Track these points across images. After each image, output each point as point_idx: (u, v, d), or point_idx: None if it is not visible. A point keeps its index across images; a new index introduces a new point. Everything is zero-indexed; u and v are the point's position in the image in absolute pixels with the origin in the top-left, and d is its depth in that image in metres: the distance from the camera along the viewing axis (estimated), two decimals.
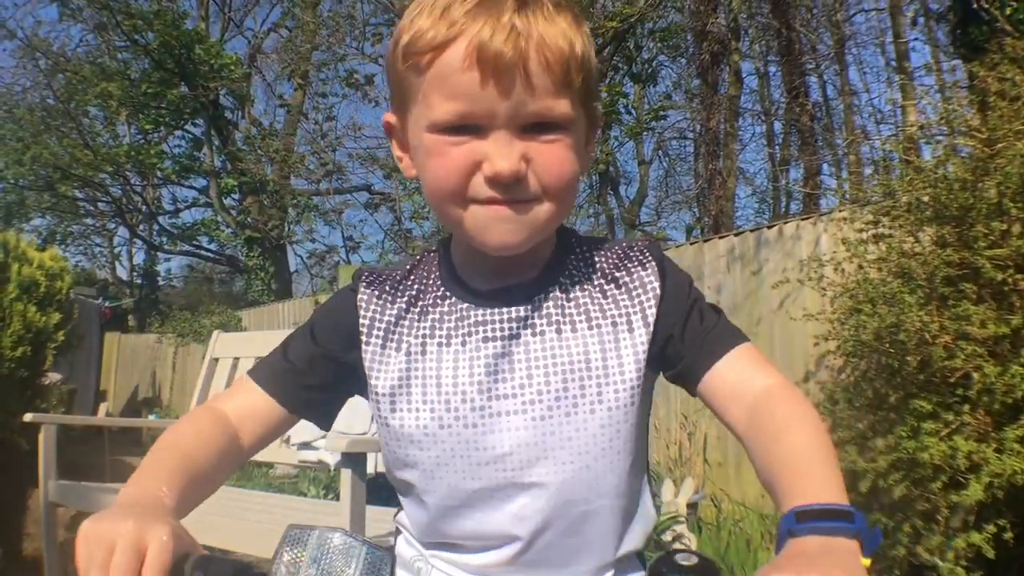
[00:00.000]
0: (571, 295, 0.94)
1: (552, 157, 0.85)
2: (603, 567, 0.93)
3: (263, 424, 0.97)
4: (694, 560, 0.66)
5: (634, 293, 0.94)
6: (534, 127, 0.84)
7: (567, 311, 0.93)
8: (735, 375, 0.89)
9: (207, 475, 0.87)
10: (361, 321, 0.98)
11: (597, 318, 0.93)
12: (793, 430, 0.81)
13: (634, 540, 0.95)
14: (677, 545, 3.71)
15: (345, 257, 16.42)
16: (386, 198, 14.08)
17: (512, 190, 0.84)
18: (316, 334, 1.01)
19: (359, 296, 0.99)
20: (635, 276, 0.95)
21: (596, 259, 0.97)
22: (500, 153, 0.82)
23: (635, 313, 0.93)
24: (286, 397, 0.98)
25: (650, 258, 0.96)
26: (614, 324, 0.93)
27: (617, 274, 0.96)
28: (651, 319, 0.92)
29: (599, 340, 0.92)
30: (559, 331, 0.92)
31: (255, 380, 0.99)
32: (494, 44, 0.79)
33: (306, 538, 0.71)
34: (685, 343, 0.92)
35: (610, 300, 0.94)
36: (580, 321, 0.93)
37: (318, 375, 0.99)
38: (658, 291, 0.93)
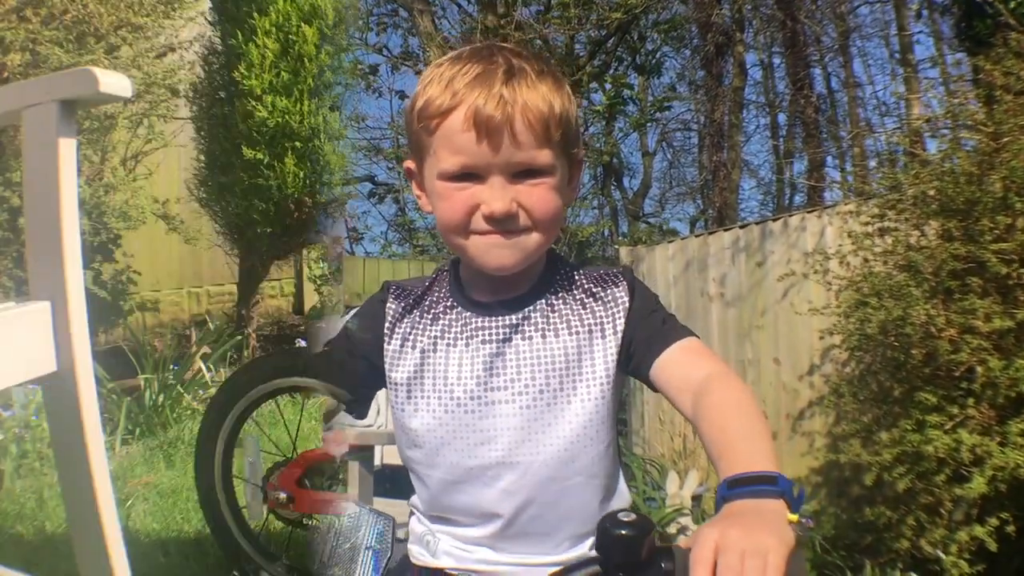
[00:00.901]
0: (555, 307, 1.11)
1: (537, 197, 1.02)
2: (583, 535, 1.08)
3: None
4: (633, 516, 0.76)
5: (608, 306, 1.10)
6: (522, 173, 1.01)
7: (551, 320, 1.10)
8: (682, 366, 1.04)
9: None
10: (386, 325, 1.15)
11: (576, 326, 1.09)
12: (728, 411, 0.94)
13: None
14: (681, 537, 3.73)
15: (349, 248, 16.39)
16: (390, 189, 14.08)
17: (505, 224, 1.02)
18: (352, 336, 1.19)
19: (387, 305, 1.16)
20: (609, 292, 1.12)
21: (577, 278, 1.14)
22: (495, 196, 1.00)
23: (608, 323, 1.09)
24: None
25: (622, 279, 1.13)
26: (590, 332, 1.09)
27: (595, 289, 1.12)
28: (620, 328, 1.09)
29: (577, 345, 1.08)
30: (544, 336, 1.09)
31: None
32: (486, 110, 0.98)
33: None
34: (640, 339, 1.08)
35: (588, 311, 1.10)
36: (562, 328, 1.09)
37: (356, 371, 1.16)
38: (627, 305, 1.10)
